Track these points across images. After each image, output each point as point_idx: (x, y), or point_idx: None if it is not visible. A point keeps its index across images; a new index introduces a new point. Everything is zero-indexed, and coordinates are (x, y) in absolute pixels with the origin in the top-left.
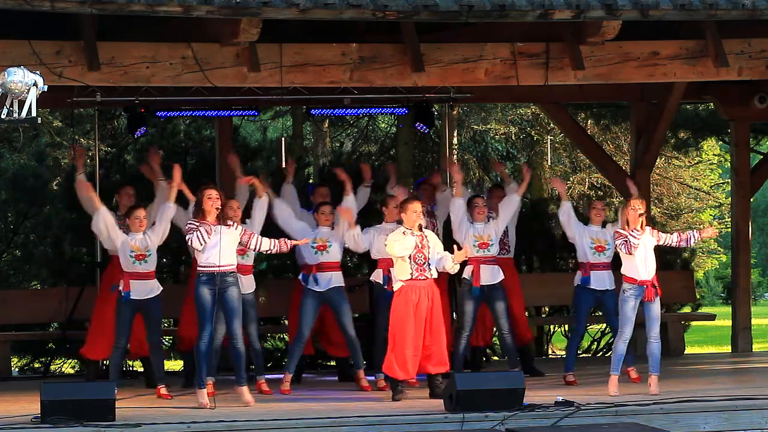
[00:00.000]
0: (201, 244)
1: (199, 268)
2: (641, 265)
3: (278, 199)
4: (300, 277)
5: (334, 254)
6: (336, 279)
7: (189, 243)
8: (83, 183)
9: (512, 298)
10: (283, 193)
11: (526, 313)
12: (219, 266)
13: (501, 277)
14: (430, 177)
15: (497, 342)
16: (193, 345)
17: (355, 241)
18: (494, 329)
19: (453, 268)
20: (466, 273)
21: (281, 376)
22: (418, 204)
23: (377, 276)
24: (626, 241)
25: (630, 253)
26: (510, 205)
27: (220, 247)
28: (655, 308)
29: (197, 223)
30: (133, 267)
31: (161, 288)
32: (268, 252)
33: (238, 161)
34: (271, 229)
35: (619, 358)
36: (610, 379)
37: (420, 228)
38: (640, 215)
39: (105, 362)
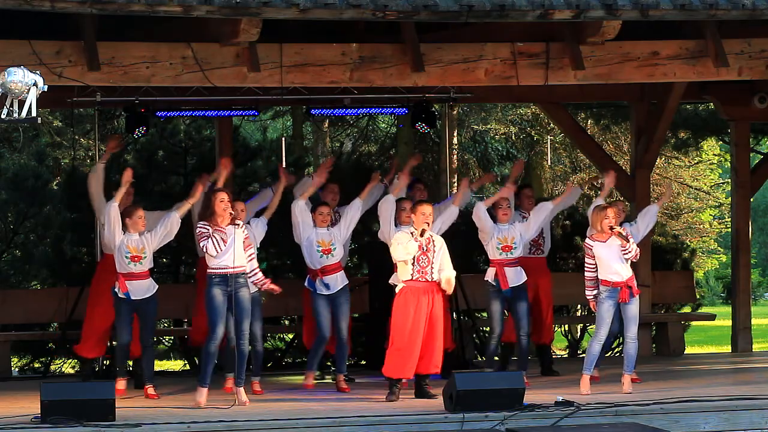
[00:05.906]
0: (217, 252)
1: (210, 270)
2: (613, 268)
3: (302, 201)
4: (306, 282)
5: (338, 256)
6: (342, 279)
7: (204, 249)
8: (100, 174)
9: (543, 298)
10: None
11: None
12: (232, 268)
13: (524, 278)
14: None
15: None
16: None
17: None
18: None
19: (444, 287)
20: (489, 276)
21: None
22: (429, 207)
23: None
24: (590, 251)
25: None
26: (541, 212)
27: (233, 249)
28: (632, 309)
29: (209, 228)
30: (128, 268)
31: (156, 287)
32: (248, 272)
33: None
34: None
35: (592, 358)
36: (582, 378)
37: (422, 233)
38: (616, 220)
39: (105, 361)
